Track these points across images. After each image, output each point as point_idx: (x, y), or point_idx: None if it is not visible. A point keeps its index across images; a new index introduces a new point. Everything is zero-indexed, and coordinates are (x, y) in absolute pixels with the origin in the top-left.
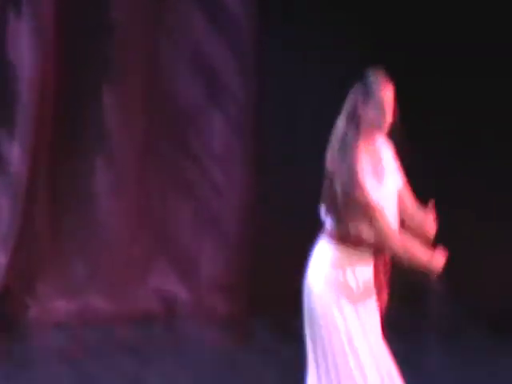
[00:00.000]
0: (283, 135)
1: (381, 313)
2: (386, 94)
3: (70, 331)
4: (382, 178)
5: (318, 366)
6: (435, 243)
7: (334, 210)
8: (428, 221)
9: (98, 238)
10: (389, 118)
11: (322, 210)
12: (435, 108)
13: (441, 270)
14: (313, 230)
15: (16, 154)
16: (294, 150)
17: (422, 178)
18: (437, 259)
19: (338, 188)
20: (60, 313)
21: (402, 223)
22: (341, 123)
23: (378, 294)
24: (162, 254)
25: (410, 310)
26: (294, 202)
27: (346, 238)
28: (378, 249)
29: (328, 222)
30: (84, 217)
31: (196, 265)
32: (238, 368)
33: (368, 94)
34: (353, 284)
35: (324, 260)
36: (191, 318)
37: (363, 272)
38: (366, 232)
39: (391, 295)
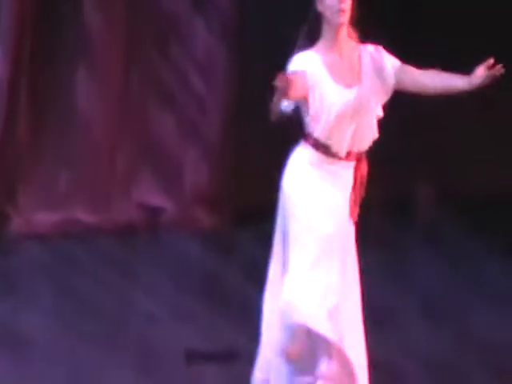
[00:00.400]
0: (267, 45)
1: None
2: None
3: (52, 244)
4: (353, 82)
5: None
6: None
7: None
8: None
9: (81, 149)
10: (346, 6)
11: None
12: None
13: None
14: (295, 141)
15: None
16: (278, 59)
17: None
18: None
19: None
20: (43, 225)
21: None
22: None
23: (352, 206)
24: (145, 165)
25: (394, 221)
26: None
27: (308, 139)
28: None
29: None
30: (66, 127)
31: (179, 177)
32: (222, 279)
33: None
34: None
35: (297, 160)
36: (175, 230)
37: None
38: (319, 131)
39: (373, 207)
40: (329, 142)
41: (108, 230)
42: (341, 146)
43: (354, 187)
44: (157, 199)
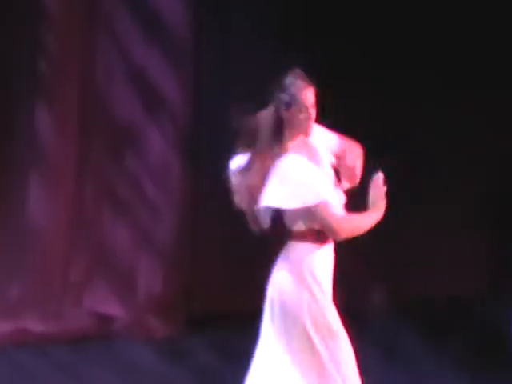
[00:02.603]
0: (221, 151)
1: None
2: (310, 96)
3: (3, 353)
4: (320, 163)
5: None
6: None
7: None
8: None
9: (33, 257)
10: (313, 119)
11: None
12: None
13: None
14: (251, 249)
15: None
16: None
17: None
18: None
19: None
20: None
21: None
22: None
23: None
24: (98, 273)
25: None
26: (232, 220)
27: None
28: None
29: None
30: (17, 234)
31: (133, 284)
32: None
33: (290, 98)
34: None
35: (288, 260)
36: (128, 338)
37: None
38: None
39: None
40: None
41: (60, 338)
42: None
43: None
44: (110, 307)
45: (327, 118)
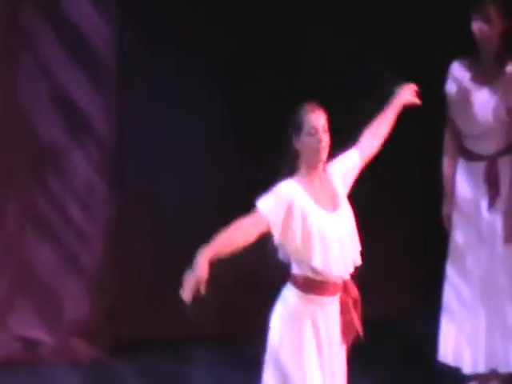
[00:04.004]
0: (147, 175)
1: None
2: (318, 118)
3: None
4: (335, 207)
5: None
6: None
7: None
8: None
9: None
10: (325, 145)
11: None
12: None
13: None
14: (176, 273)
15: None
16: (159, 189)
17: None
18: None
19: None
20: None
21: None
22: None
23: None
24: (22, 297)
25: None
26: (158, 243)
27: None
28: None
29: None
30: None
31: (58, 308)
32: None
33: (298, 124)
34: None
35: (282, 304)
36: (53, 362)
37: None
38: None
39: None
40: (319, 274)
41: None
42: (331, 275)
43: (342, 311)
44: (34, 331)
45: None
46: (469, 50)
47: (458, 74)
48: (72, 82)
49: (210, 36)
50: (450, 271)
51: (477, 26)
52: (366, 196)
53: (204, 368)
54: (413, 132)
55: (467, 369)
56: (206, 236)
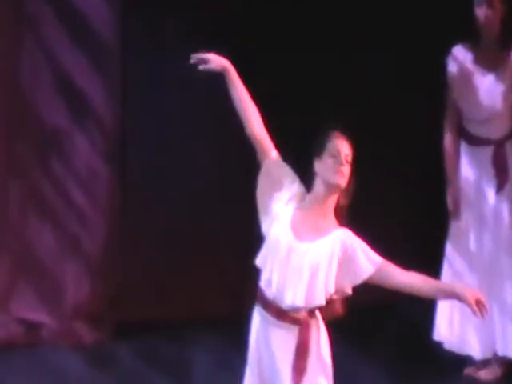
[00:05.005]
0: (150, 160)
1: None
2: (343, 146)
3: None
4: (305, 238)
5: None
6: None
7: None
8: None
9: None
10: (345, 173)
11: None
12: None
13: None
14: (178, 258)
15: None
16: (162, 175)
17: None
18: None
19: None
20: None
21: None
22: None
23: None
24: (24, 280)
25: None
26: (160, 228)
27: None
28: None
29: None
30: None
31: (60, 291)
32: None
33: (321, 146)
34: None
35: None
36: (55, 345)
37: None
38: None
39: None
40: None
41: None
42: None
43: (297, 353)
44: (36, 314)
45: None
46: (468, 36)
47: (460, 55)
48: (75, 66)
49: (215, 22)
50: (450, 253)
51: (481, 12)
52: (367, 178)
53: (206, 352)
54: (415, 119)
55: (466, 352)
56: (209, 221)
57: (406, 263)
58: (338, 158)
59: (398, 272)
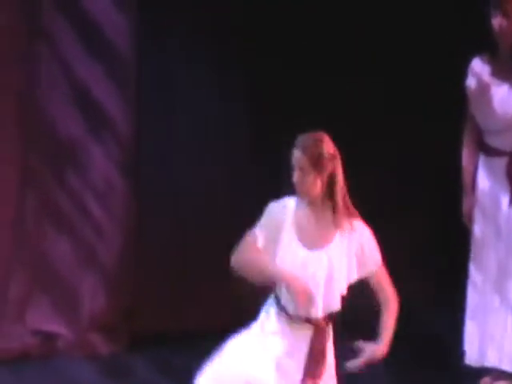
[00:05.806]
0: (166, 171)
1: None
2: (294, 152)
3: None
4: (323, 244)
5: None
6: None
7: None
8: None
9: None
10: (297, 179)
11: None
12: None
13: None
14: (194, 269)
15: None
16: (178, 186)
17: None
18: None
19: None
20: None
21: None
22: None
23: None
24: (40, 291)
25: None
26: (175, 240)
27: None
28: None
29: None
30: None
31: (76, 302)
32: None
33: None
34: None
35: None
36: (70, 356)
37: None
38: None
39: None
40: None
41: (1, 357)
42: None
43: (309, 357)
44: (52, 325)
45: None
46: (485, 47)
47: (478, 68)
48: (91, 77)
49: (229, 29)
50: (472, 268)
51: (497, 22)
52: (382, 186)
53: None
54: (431, 131)
55: (484, 363)
56: (223, 233)
57: (419, 268)
58: (293, 172)
59: (381, 287)
